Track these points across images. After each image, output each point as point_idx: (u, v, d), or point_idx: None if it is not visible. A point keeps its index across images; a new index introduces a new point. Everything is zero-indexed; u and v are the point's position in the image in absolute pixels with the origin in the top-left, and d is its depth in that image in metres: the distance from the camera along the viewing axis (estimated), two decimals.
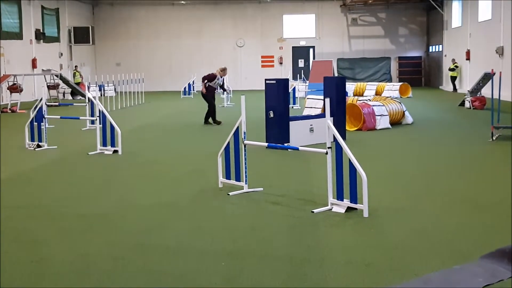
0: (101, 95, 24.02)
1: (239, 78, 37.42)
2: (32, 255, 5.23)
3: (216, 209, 6.89)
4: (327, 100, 6.67)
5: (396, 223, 6.16)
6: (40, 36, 30.54)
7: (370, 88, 27.25)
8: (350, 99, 15.93)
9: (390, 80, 36.53)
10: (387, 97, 18.48)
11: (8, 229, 6.09)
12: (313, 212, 6.48)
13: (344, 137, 11.40)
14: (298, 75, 32.42)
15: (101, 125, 11.39)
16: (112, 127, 11.08)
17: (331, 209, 6.56)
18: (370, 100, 16.00)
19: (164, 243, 5.55)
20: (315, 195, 7.27)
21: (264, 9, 38.03)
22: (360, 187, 6.26)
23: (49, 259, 5.14)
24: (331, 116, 6.81)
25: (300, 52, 38.22)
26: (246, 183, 7.55)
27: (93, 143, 11.51)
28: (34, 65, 29.79)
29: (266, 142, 10.73)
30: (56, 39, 33.10)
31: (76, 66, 33.24)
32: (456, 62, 30.01)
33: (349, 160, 6.31)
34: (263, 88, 11.78)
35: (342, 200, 6.51)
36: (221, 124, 15.91)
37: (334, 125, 6.62)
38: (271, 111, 11.38)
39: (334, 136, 6.40)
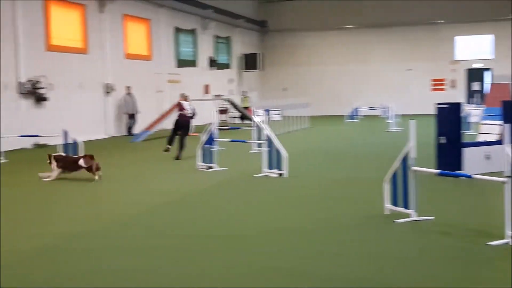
0: (267, 119, 24.67)
1: (408, 102, 36.41)
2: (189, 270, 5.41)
3: (380, 236, 6.66)
4: (507, 126, 6.19)
5: None
6: (213, 63, 32.28)
7: None
8: None
9: None
10: None
11: (162, 246, 6.41)
12: (487, 244, 6.01)
13: None
14: (472, 99, 30.80)
15: (267, 148, 11.62)
16: (278, 151, 11.27)
17: (509, 242, 6.04)
18: None
19: (321, 271, 5.44)
20: (491, 227, 6.75)
21: (434, 31, 36.82)
22: None
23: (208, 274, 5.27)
24: (510, 143, 6.30)
25: (474, 75, 36.32)
26: (414, 211, 7.23)
27: (259, 166, 11.78)
28: (206, 91, 31.49)
29: (437, 169, 10.24)
30: (227, 66, 34.76)
31: (245, 92, 34.55)
32: None
33: None
34: (433, 112, 11.31)
35: None
36: (167, 152, 15.10)
37: None
38: (443, 137, 10.88)
39: None
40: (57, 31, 20.23)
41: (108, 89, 22.73)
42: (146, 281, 5.22)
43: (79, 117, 20.77)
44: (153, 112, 24.95)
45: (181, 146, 15.02)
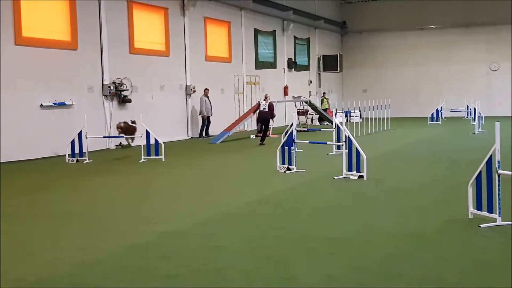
0: (347, 121, 24.46)
1: (493, 104, 35.25)
2: (283, 273, 5.49)
3: (464, 241, 6.53)
4: None
5: None
6: (291, 64, 32.38)
7: None
8: None
9: None
10: None
11: (260, 247, 6.48)
12: None
13: None
14: None
15: (347, 150, 11.57)
16: (358, 153, 11.21)
17: None
18: None
19: (408, 273, 5.40)
20: None
21: None
22: None
23: (297, 278, 5.34)
24: None
25: None
26: (499, 215, 7.04)
27: (339, 168, 11.75)
28: (285, 92, 31.64)
29: None
30: (306, 67, 34.77)
31: (324, 93, 34.45)
32: None
33: None
34: None
35: None
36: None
37: None
38: None
39: None
40: (140, 34, 20.89)
41: (189, 91, 23.26)
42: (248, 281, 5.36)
43: (161, 118, 21.37)
44: (232, 113, 25.34)
45: (263, 137, 19.66)
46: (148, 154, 15.33)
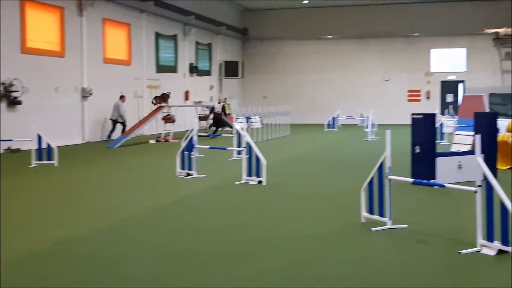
0: (248, 126, 24.70)
1: (385, 112, 36.88)
2: (192, 278, 5.50)
3: (357, 244, 6.80)
4: (478, 137, 6.39)
5: None
6: (193, 69, 32.36)
7: None
8: (501, 135, 15.05)
9: None
10: None
11: (165, 252, 6.43)
12: (460, 253, 6.19)
13: (495, 176, 10.80)
14: (446, 110, 31.33)
15: (247, 156, 11.71)
16: (257, 158, 11.38)
17: (480, 250, 6.22)
18: None
19: (316, 275, 5.57)
20: (463, 235, 6.94)
21: (411, 43, 37.42)
22: None
23: (205, 283, 5.36)
24: (481, 153, 6.49)
25: (448, 87, 37.01)
26: (390, 219, 7.40)
27: (239, 173, 11.88)
28: (186, 97, 31.55)
29: (412, 178, 10.45)
30: (208, 73, 34.87)
31: (225, 98, 34.67)
32: None
33: (500, 201, 5.97)
34: (409, 123, 11.53)
35: (493, 242, 6.16)
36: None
37: (484, 162, 6.32)
38: (417, 147, 11.10)
39: (484, 174, 6.11)
40: (34, 33, 20.04)
41: (85, 94, 22.61)
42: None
43: (54, 121, 20.55)
44: (131, 117, 24.91)
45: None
46: (40, 159, 14.69)
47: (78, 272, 5.64)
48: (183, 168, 12.54)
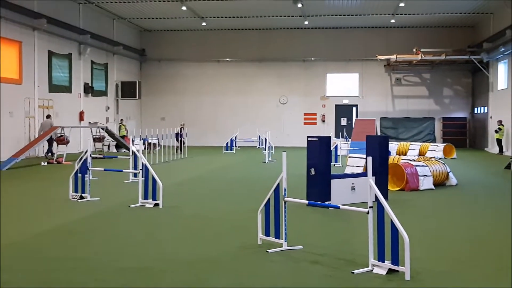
0: (145, 148, 24.32)
1: (282, 135, 37.63)
2: None
3: (255, 266, 6.79)
4: (369, 159, 6.61)
5: (439, 287, 5.95)
6: (88, 89, 31.50)
7: (413, 148, 26.97)
8: (392, 158, 15.75)
9: (434, 140, 36.26)
10: (431, 157, 18.22)
11: (52, 280, 6.11)
12: (353, 273, 6.33)
13: (386, 197, 11.23)
14: (341, 133, 32.44)
15: (143, 178, 11.48)
16: (154, 181, 11.18)
17: (372, 270, 6.39)
18: (414, 160, 15.77)
19: None
20: (356, 255, 7.11)
21: (308, 67, 38.49)
22: (402, 248, 6.10)
23: None
24: (373, 175, 6.71)
25: (343, 111, 38.34)
26: (285, 241, 7.45)
27: (135, 196, 11.60)
28: (81, 118, 30.63)
29: (307, 199, 10.63)
30: (104, 93, 34.08)
31: (121, 120, 33.99)
32: (502, 124, 29.49)
33: (391, 221, 6.18)
34: (305, 145, 11.76)
35: (384, 262, 6.35)
36: None
37: (376, 184, 6.53)
38: (313, 169, 11.32)
39: (376, 196, 6.30)
40: None
41: None
42: None
43: None
44: (22, 138, 23.81)
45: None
46: None
47: None
48: (76, 191, 12.09)
